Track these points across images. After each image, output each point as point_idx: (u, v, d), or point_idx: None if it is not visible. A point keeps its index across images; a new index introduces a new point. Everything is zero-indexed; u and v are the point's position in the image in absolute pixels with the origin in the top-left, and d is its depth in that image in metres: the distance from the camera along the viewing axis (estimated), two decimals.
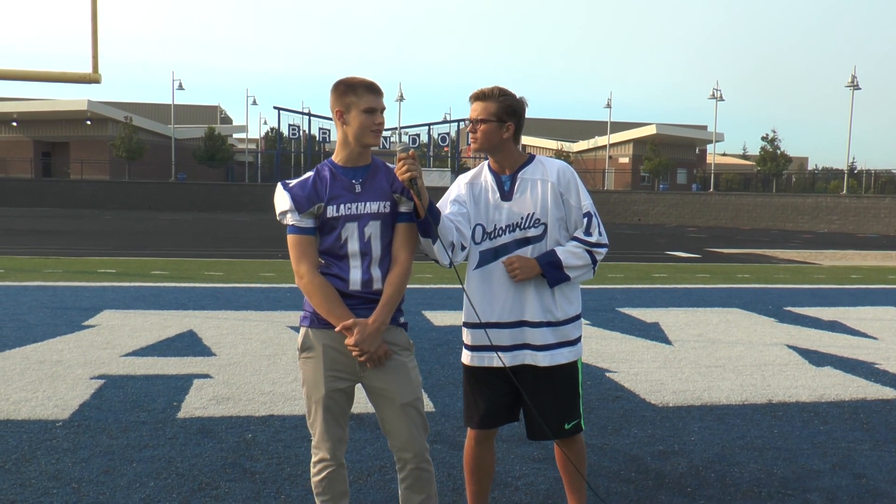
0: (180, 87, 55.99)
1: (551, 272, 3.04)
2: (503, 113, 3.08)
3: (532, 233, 3.10)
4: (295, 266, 2.85)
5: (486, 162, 3.24)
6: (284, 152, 59.47)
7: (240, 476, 3.98)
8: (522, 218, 3.09)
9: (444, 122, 59.48)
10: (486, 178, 3.17)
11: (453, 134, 57.05)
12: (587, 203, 3.14)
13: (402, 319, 2.96)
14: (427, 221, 2.88)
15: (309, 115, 56.68)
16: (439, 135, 57.91)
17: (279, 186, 2.90)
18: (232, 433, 4.63)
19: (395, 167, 2.88)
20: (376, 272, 2.86)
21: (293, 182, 2.90)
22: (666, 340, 7.75)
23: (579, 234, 3.13)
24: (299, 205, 2.82)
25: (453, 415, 5.10)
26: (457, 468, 4.11)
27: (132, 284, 11.03)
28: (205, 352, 6.76)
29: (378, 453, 4.31)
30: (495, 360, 3.10)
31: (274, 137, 65.00)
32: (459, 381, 5.94)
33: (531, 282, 3.08)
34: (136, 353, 6.63)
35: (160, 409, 5.09)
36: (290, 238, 2.85)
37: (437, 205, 3.09)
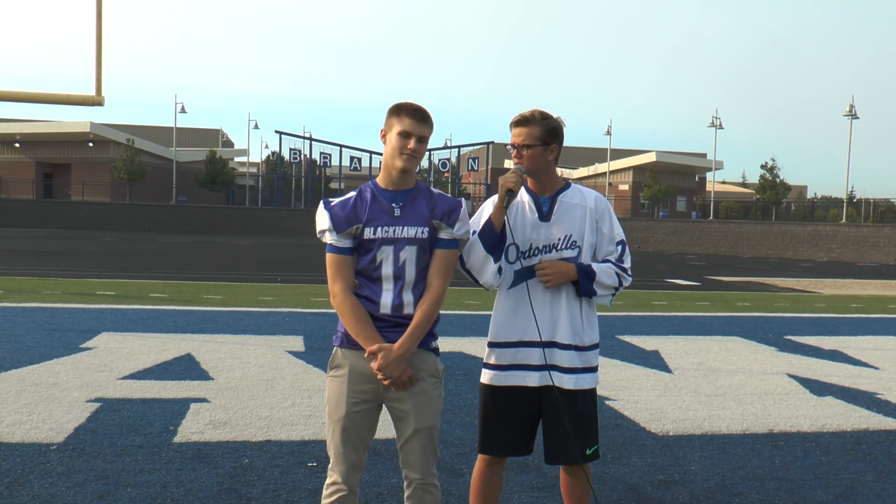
0: (183, 110, 56.33)
1: (585, 281, 3.09)
2: (547, 136, 3.13)
3: (567, 254, 3.13)
4: (330, 285, 2.87)
5: None
6: (285, 176, 59.64)
7: (235, 502, 3.93)
8: (560, 239, 3.13)
9: (445, 147, 59.76)
10: (524, 198, 3.20)
11: (453, 160, 57.29)
12: (619, 232, 3.22)
13: (433, 344, 2.95)
14: (503, 237, 3.03)
15: (310, 139, 56.93)
16: (440, 160, 58.15)
17: (321, 204, 2.93)
18: (228, 458, 4.59)
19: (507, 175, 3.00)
20: (408, 297, 2.85)
21: (335, 201, 2.92)
22: (666, 368, 7.71)
23: (612, 259, 3.19)
24: (337, 225, 2.84)
25: (452, 442, 5.06)
26: (454, 496, 4.06)
27: (131, 307, 10.99)
28: (202, 376, 6.72)
29: (377, 480, 4.27)
30: (527, 380, 3.12)
31: (275, 161, 65.22)
32: (458, 408, 5.91)
33: (564, 303, 3.12)
34: (133, 377, 6.58)
35: (156, 433, 5.04)
36: (328, 257, 2.88)
37: (468, 224, 3.14)
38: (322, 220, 2.88)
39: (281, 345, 8.30)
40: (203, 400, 5.89)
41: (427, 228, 2.87)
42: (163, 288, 13.88)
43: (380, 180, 2.93)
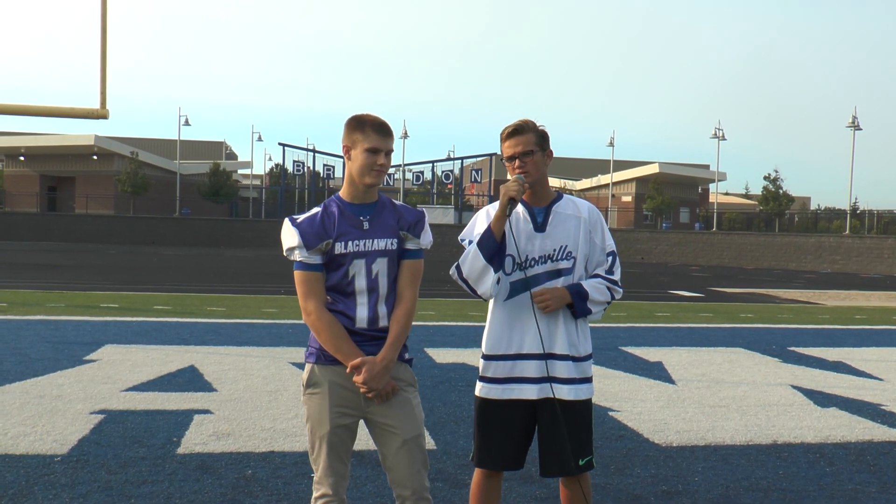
0: (186, 123, 56.53)
1: (579, 303, 3.09)
2: (542, 141, 3.16)
3: (563, 265, 3.14)
4: (302, 303, 2.85)
5: None
6: (288, 188, 59.76)
7: None
8: (555, 250, 3.14)
9: (448, 159, 59.84)
10: (518, 209, 3.19)
11: (457, 171, 57.40)
12: (611, 243, 3.22)
13: (406, 355, 2.97)
14: (503, 247, 3.02)
15: (314, 151, 57.10)
16: (443, 172, 58.25)
17: (287, 222, 2.90)
18: (231, 469, 4.59)
19: (510, 182, 3.04)
20: (382, 309, 2.87)
21: (301, 217, 2.90)
22: (669, 380, 7.70)
23: (601, 271, 3.19)
24: (308, 241, 2.82)
25: (455, 452, 5.06)
26: None
27: (134, 319, 11.01)
28: (206, 387, 6.73)
29: (378, 490, 4.27)
30: (526, 392, 3.11)
31: (278, 173, 65.36)
32: (461, 419, 5.91)
33: (560, 315, 3.12)
34: (136, 388, 6.59)
35: (160, 444, 5.05)
36: (298, 274, 2.85)
37: (463, 234, 3.18)
38: (290, 237, 2.85)
39: (284, 356, 8.31)
40: (206, 411, 5.90)
41: (396, 240, 2.89)
42: (166, 300, 13.91)
43: (344, 194, 2.92)
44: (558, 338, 3.11)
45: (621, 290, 3.21)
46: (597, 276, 3.18)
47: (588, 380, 3.18)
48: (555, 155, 3.30)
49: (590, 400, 3.21)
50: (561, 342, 3.11)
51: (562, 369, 3.11)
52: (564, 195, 3.28)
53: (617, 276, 3.20)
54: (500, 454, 3.18)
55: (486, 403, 3.19)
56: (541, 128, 3.18)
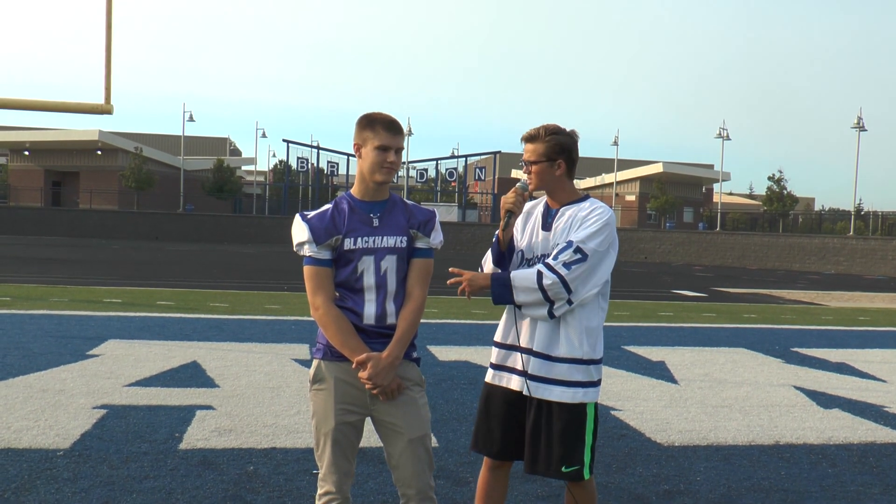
0: (191, 119, 56.56)
1: (496, 287, 3.10)
2: (552, 152, 3.16)
3: None
4: (311, 298, 2.86)
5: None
6: (292, 185, 59.78)
7: None
8: (553, 248, 3.15)
9: (452, 157, 59.81)
10: (539, 209, 3.28)
11: (461, 169, 57.37)
12: (582, 237, 3.03)
13: (414, 354, 2.98)
14: (509, 253, 3.17)
15: (318, 148, 57.09)
16: (447, 170, 58.23)
17: (297, 217, 2.92)
18: (233, 465, 4.60)
19: (510, 194, 3.12)
20: (390, 306, 2.88)
21: (311, 213, 2.93)
22: (672, 379, 7.70)
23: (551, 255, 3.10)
24: (317, 236, 2.84)
25: (457, 450, 5.06)
26: None
27: (137, 314, 11.03)
28: (208, 383, 6.74)
29: (381, 488, 4.27)
30: (511, 382, 3.17)
31: (282, 170, 65.39)
32: (463, 417, 5.92)
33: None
34: (139, 384, 6.60)
35: (162, 439, 5.06)
36: (307, 269, 2.87)
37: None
38: (300, 232, 2.87)
39: (287, 353, 8.31)
40: (209, 407, 5.91)
41: (405, 238, 2.90)
42: (169, 296, 13.92)
43: (355, 192, 2.94)
44: (538, 334, 3.11)
45: (554, 277, 2.96)
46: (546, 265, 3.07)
47: (565, 383, 3.06)
48: None
49: (577, 407, 3.08)
50: (539, 339, 3.11)
51: (533, 365, 3.11)
52: (589, 198, 3.22)
53: (553, 261, 3.00)
54: (486, 440, 3.23)
55: (485, 388, 3.28)
56: (568, 133, 3.19)
